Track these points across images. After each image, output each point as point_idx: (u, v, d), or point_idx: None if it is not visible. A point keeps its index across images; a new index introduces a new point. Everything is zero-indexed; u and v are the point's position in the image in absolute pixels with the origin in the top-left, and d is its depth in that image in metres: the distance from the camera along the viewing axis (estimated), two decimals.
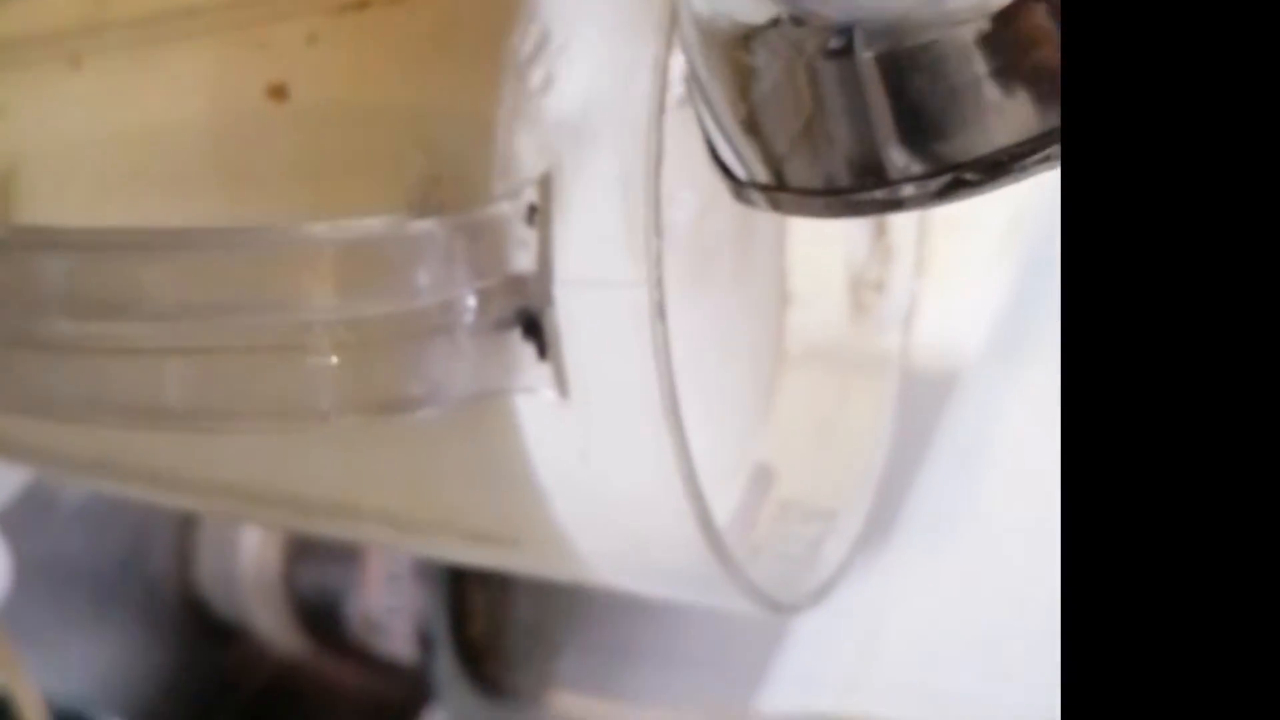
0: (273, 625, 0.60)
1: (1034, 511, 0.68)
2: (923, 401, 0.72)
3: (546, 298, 0.29)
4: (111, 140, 0.34)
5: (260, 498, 0.35)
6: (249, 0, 0.33)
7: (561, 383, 0.29)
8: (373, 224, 0.27)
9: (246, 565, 0.58)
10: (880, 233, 0.40)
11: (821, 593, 0.34)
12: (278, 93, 0.32)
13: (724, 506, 0.36)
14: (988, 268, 0.75)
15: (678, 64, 0.29)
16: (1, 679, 0.53)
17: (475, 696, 0.62)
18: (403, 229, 0.27)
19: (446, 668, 0.60)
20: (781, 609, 0.33)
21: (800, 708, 0.62)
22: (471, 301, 0.28)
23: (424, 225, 0.27)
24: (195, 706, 0.66)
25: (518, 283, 0.29)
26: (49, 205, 0.34)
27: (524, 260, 0.29)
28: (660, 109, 0.28)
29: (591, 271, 0.29)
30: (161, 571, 0.61)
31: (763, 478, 0.37)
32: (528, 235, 0.29)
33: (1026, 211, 0.77)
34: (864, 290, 0.40)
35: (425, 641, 0.60)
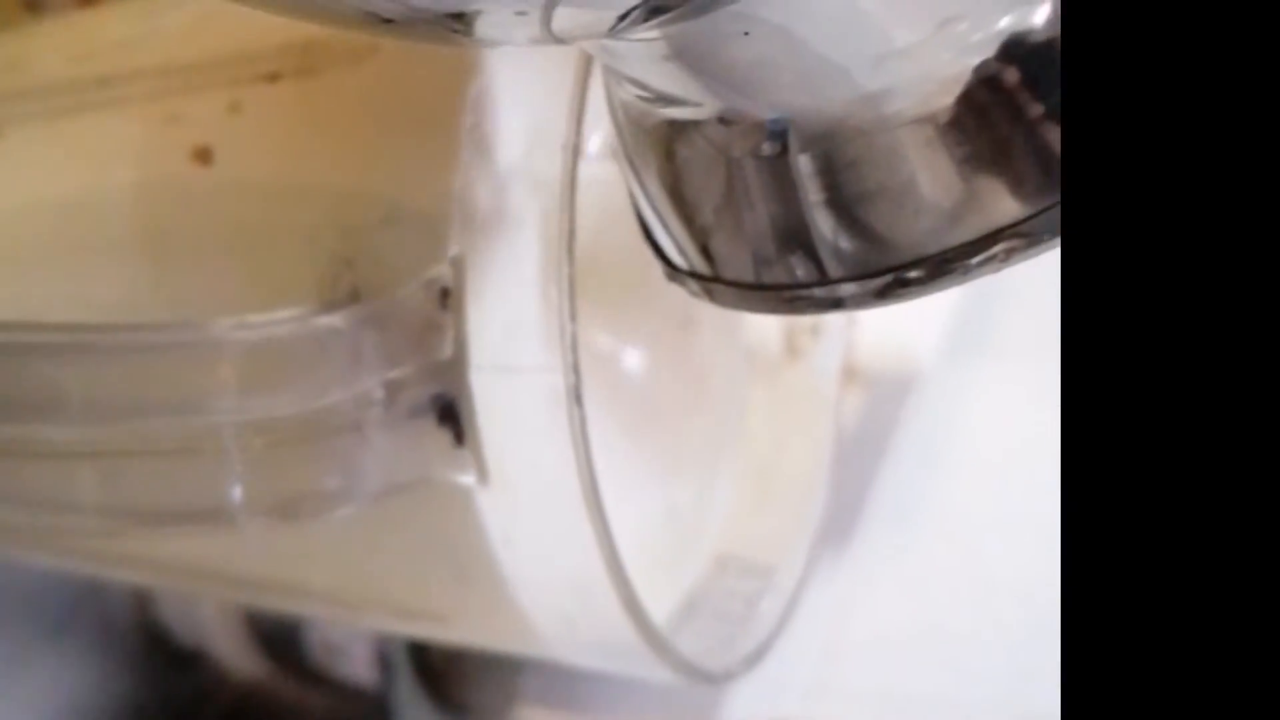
0: (232, 651, 0.60)
1: (997, 508, 0.68)
2: (882, 400, 0.72)
3: (462, 384, 0.29)
4: (33, 209, 0.33)
5: (205, 576, 0.35)
6: (167, 69, 0.33)
7: (481, 468, 0.29)
8: (277, 320, 0.27)
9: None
10: None
11: (756, 656, 0.34)
12: (202, 156, 0.31)
13: (658, 562, 0.36)
14: None
15: (595, 142, 0.29)
16: None
17: (437, 717, 0.61)
18: (308, 325, 0.26)
19: (407, 690, 0.59)
20: (715, 679, 0.32)
21: (765, 714, 0.62)
22: (382, 394, 0.27)
23: (330, 321, 0.27)
24: None
25: (432, 369, 0.29)
26: None
27: (438, 346, 0.29)
28: (571, 190, 0.28)
29: (506, 357, 0.28)
30: (120, 599, 0.60)
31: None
32: (441, 319, 0.28)
33: None
34: (798, 333, 0.39)
35: (385, 664, 0.59)
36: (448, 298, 0.28)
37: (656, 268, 0.28)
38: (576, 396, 0.28)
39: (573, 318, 0.28)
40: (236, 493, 0.27)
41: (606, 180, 0.34)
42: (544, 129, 0.28)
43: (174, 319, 0.30)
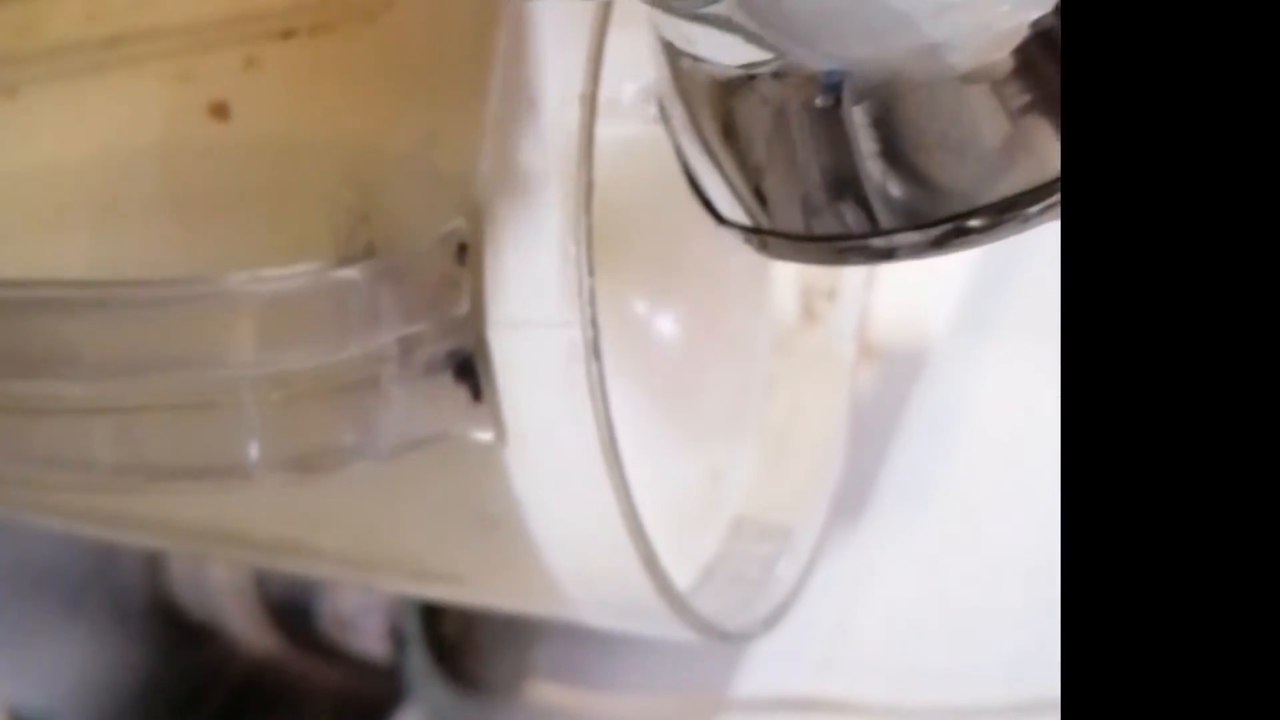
0: (245, 625, 0.60)
1: (1007, 483, 0.68)
2: (894, 376, 0.72)
3: (479, 339, 0.28)
4: (51, 170, 0.33)
5: (218, 538, 0.35)
6: (179, 28, 0.33)
7: (498, 425, 0.29)
8: (294, 274, 0.27)
9: (217, 566, 0.57)
10: None
11: (774, 618, 0.34)
12: (219, 111, 0.31)
13: (680, 527, 0.36)
14: None
15: (629, 92, 0.29)
16: None
17: (449, 691, 0.61)
18: (324, 279, 0.26)
19: (419, 664, 0.59)
20: (732, 639, 0.32)
21: (776, 687, 0.62)
22: (398, 349, 0.27)
23: (346, 274, 0.26)
24: (168, 710, 0.66)
25: (449, 324, 0.28)
26: None
27: (455, 301, 0.28)
28: (589, 147, 0.28)
29: (524, 312, 0.28)
30: (132, 574, 0.60)
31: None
32: (459, 274, 0.28)
33: None
34: (815, 298, 0.39)
35: (398, 638, 0.59)
36: (465, 252, 0.28)
37: (688, 231, 0.28)
38: (595, 351, 0.27)
39: (591, 272, 0.27)
40: (253, 448, 0.26)
41: (638, 139, 0.34)
42: (568, 82, 0.28)
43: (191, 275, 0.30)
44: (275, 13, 0.32)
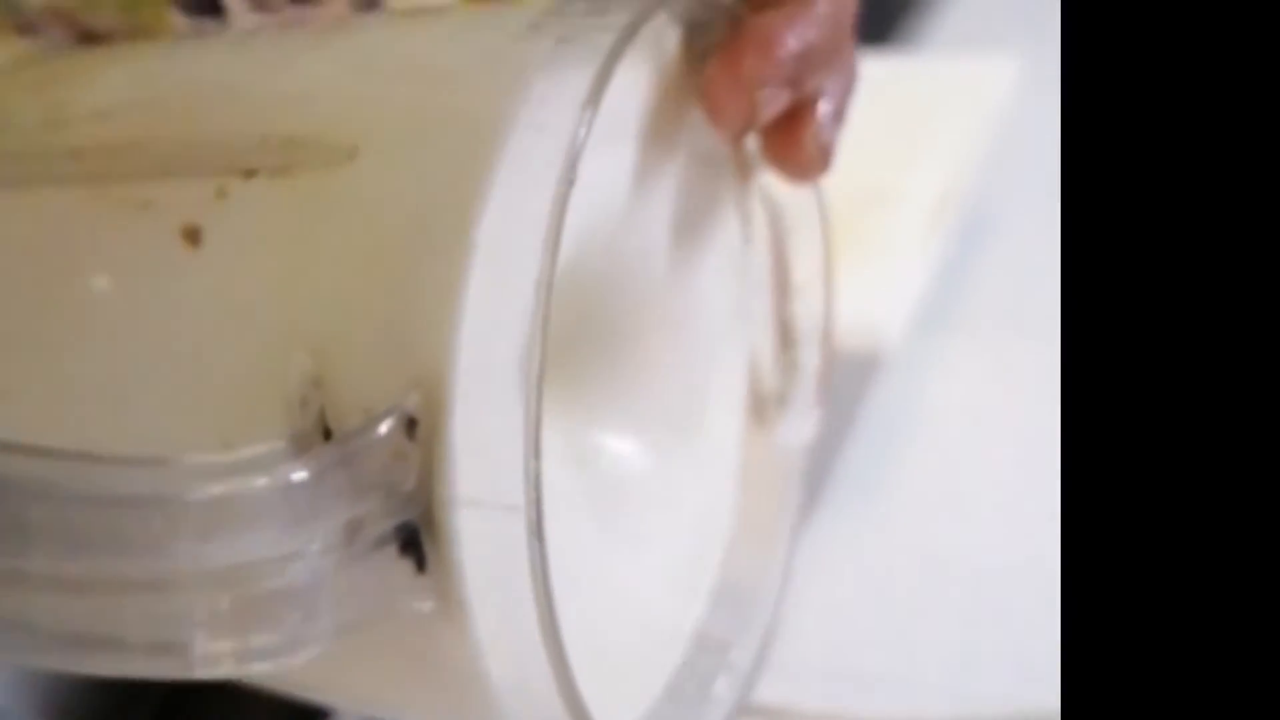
0: None
1: (955, 485, 0.68)
2: (848, 377, 0.72)
3: (426, 515, 0.29)
4: (7, 285, 0.33)
5: None
6: (141, 148, 0.33)
7: (442, 597, 0.29)
8: (242, 465, 0.27)
9: None
10: (785, 346, 0.40)
11: None
12: (191, 236, 0.31)
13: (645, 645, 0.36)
14: (916, 243, 0.75)
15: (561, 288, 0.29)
16: None
17: None
18: (275, 478, 0.27)
19: None
20: None
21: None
22: (344, 534, 0.28)
23: (298, 475, 0.27)
24: (111, 702, 0.67)
25: (396, 499, 0.29)
26: None
27: (404, 476, 0.29)
28: (541, 328, 0.28)
29: (471, 490, 0.28)
30: None
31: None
32: (408, 449, 0.29)
33: (956, 187, 0.76)
34: (765, 404, 0.39)
35: None
36: (414, 427, 0.28)
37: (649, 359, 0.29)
38: (538, 533, 0.28)
39: (537, 455, 0.28)
40: (197, 638, 0.27)
41: (585, 280, 0.34)
42: (527, 264, 0.28)
43: (142, 433, 0.30)
44: (237, 149, 0.32)
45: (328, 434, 0.29)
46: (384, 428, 0.28)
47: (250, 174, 0.31)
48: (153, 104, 0.33)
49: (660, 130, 0.35)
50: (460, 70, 0.31)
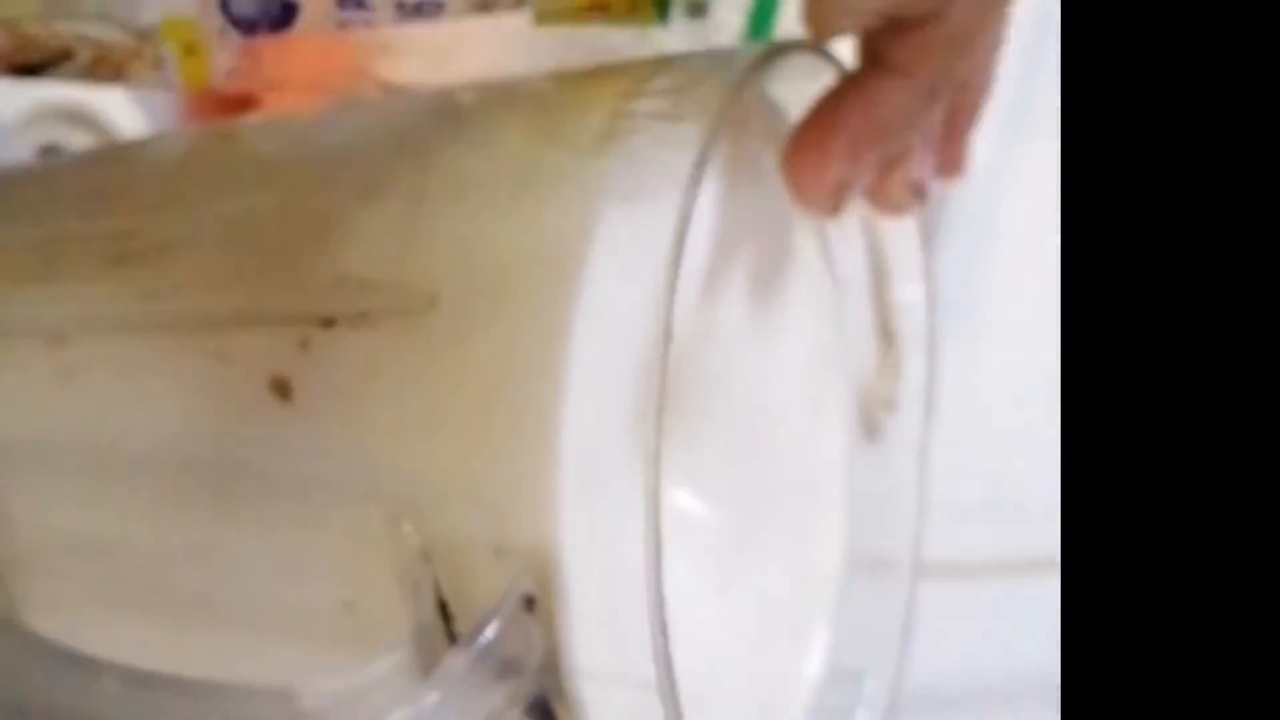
0: None
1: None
2: None
3: (555, 686, 0.28)
4: (98, 439, 0.32)
5: None
6: (215, 296, 0.32)
7: None
8: (372, 692, 0.27)
9: None
10: (888, 346, 0.38)
11: None
12: (281, 389, 0.30)
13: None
14: None
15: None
16: None
17: None
18: (411, 704, 0.26)
19: None
20: None
21: None
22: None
23: (429, 697, 0.26)
24: None
25: (526, 673, 0.28)
26: (26, 496, 0.34)
27: (528, 651, 0.28)
28: (656, 507, 0.27)
29: (598, 662, 0.28)
30: None
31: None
32: (528, 625, 0.28)
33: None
34: (875, 407, 0.38)
35: None
36: (533, 604, 0.28)
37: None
38: (674, 703, 0.27)
39: (664, 632, 0.27)
40: None
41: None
42: (630, 439, 0.27)
43: (258, 595, 0.30)
44: (314, 292, 0.30)
45: (445, 610, 0.28)
46: (504, 615, 0.28)
47: (329, 324, 0.30)
48: (222, 236, 0.32)
49: (738, 192, 0.33)
50: (531, 201, 0.29)
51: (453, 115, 0.33)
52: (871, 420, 0.39)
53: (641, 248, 0.28)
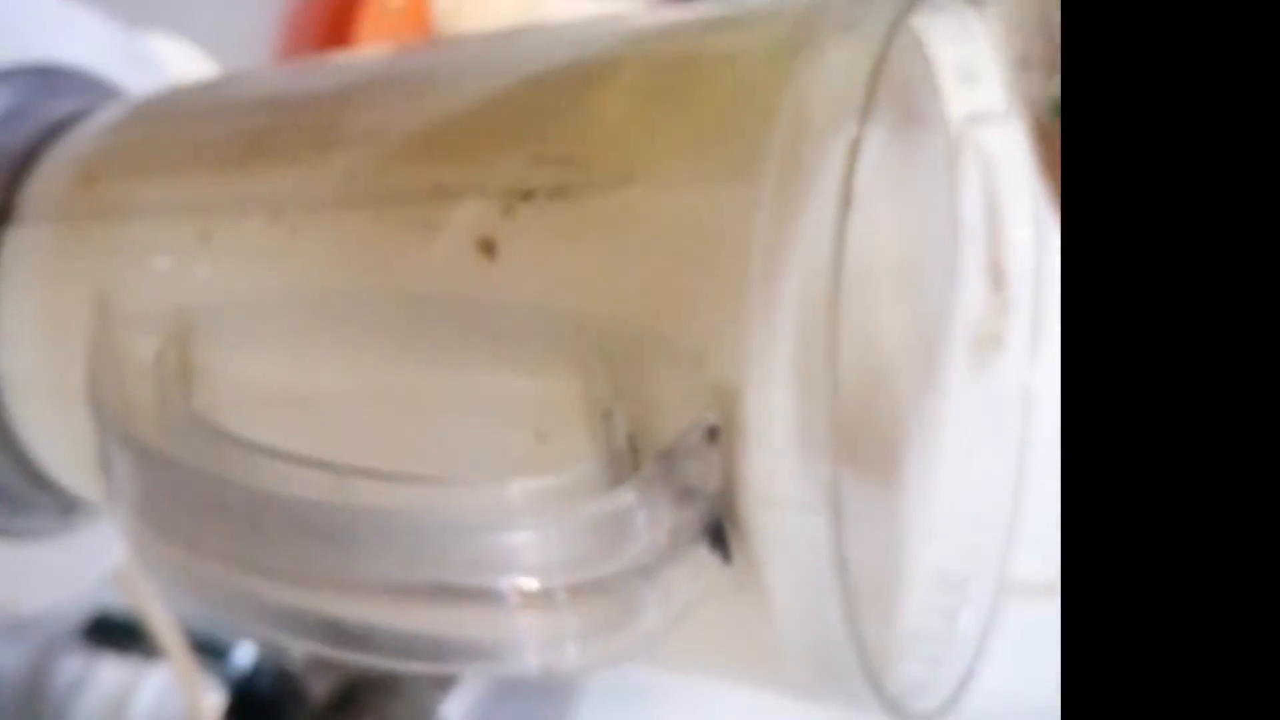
0: None
1: None
2: None
3: (732, 512, 0.31)
4: (308, 299, 0.35)
5: None
6: (418, 172, 0.35)
7: (749, 586, 0.32)
8: (567, 488, 0.30)
9: None
10: (998, 286, 0.42)
11: (965, 681, 0.37)
12: (487, 248, 0.33)
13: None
14: None
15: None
16: (133, 604, 0.57)
17: None
18: (604, 508, 0.29)
19: None
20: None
21: None
22: (668, 540, 0.30)
23: (624, 500, 0.29)
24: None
25: (704, 499, 0.31)
26: (229, 352, 0.37)
27: (708, 478, 0.31)
28: (832, 346, 0.30)
29: (771, 491, 0.31)
30: None
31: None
32: (710, 455, 0.31)
33: None
34: (983, 346, 0.41)
35: None
36: (715, 435, 0.31)
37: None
38: (835, 536, 0.30)
39: (832, 459, 0.30)
40: (531, 643, 0.30)
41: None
42: (811, 282, 0.30)
43: (457, 432, 0.33)
44: (512, 170, 0.34)
45: (632, 443, 0.31)
46: (691, 441, 0.31)
47: (529, 195, 0.33)
48: (425, 123, 0.35)
49: (898, 127, 0.37)
50: (721, 79, 0.32)
51: (634, 29, 0.36)
52: (980, 357, 0.42)
53: (835, 126, 0.31)
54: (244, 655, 0.67)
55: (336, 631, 0.31)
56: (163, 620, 0.60)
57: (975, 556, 0.40)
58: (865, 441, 0.39)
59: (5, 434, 0.42)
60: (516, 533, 0.29)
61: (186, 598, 0.34)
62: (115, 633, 0.63)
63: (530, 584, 0.30)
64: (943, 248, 0.40)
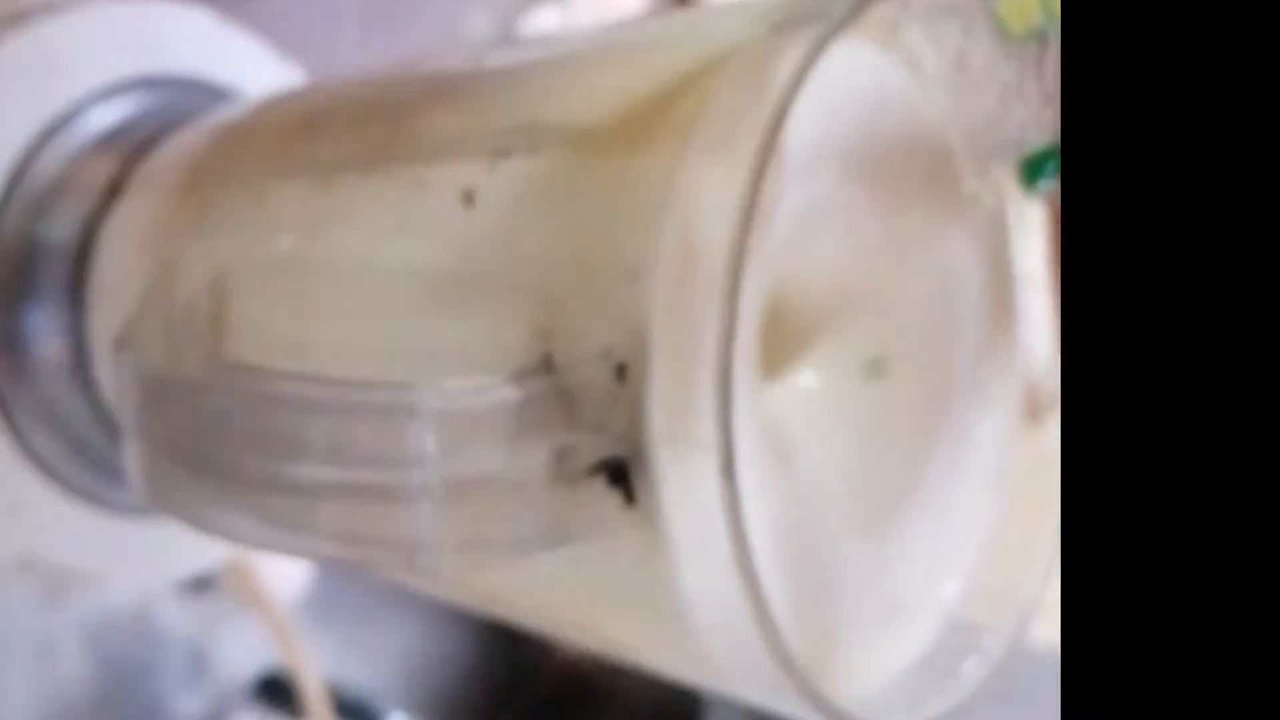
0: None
1: None
2: None
3: (635, 452, 0.31)
4: (351, 262, 0.38)
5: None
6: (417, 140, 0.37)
7: (649, 529, 0.32)
8: (472, 391, 0.31)
9: None
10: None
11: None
12: (468, 198, 0.35)
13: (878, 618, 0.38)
14: None
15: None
16: (286, 663, 0.58)
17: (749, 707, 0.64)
18: (499, 399, 0.30)
19: None
20: None
21: None
22: (552, 457, 0.31)
23: (520, 394, 0.30)
24: (485, 699, 0.71)
25: (608, 435, 0.32)
26: (256, 309, 0.39)
27: (613, 416, 0.31)
28: (735, 290, 0.30)
29: (674, 431, 0.31)
30: None
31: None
32: (618, 392, 0.31)
33: None
34: (1039, 398, 0.40)
35: None
36: (624, 373, 0.31)
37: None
38: (730, 472, 0.30)
39: (728, 402, 0.30)
40: (429, 534, 0.31)
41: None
42: (722, 229, 0.31)
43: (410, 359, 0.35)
44: (497, 136, 0.36)
45: (547, 365, 0.33)
46: (593, 370, 0.31)
47: (507, 154, 0.35)
48: (433, 102, 0.38)
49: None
50: (665, 57, 0.34)
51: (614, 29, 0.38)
52: (1036, 409, 0.41)
53: (768, 96, 0.32)
54: None
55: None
56: (314, 682, 0.62)
57: (1000, 612, 0.39)
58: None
59: (96, 399, 0.45)
60: (406, 423, 0.31)
61: (182, 514, 0.36)
62: (284, 693, 0.65)
63: (422, 477, 0.31)
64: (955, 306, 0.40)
